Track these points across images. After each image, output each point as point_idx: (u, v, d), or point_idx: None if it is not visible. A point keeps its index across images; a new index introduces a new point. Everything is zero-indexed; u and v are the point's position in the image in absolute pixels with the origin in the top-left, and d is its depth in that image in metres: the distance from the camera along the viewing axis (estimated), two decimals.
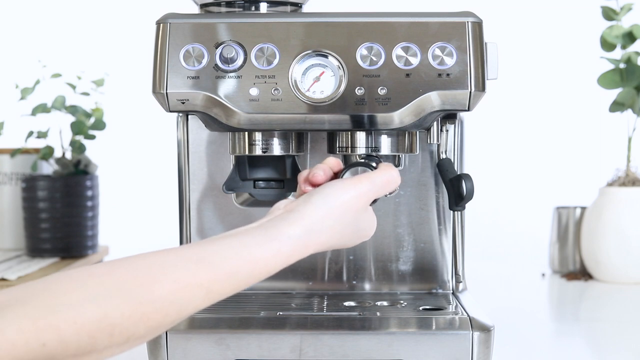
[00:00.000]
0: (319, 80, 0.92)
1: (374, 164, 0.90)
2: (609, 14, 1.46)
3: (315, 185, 0.86)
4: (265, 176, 1.03)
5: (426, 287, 1.09)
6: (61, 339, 0.63)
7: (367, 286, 1.09)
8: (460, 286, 1.06)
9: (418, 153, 1.04)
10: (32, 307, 0.63)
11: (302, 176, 0.88)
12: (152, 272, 0.69)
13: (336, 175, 0.89)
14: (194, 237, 1.08)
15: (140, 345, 0.71)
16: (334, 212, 0.80)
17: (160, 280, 0.69)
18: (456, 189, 0.99)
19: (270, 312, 0.95)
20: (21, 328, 0.61)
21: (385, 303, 1.01)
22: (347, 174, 0.88)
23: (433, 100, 0.92)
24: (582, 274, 1.52)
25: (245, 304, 0.99)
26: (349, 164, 0.90)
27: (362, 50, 0.92)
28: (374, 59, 0.92)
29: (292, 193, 1.05)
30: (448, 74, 0.92)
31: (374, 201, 0.87)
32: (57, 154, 1.53)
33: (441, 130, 1.00)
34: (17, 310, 0.62)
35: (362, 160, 0.91)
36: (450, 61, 0.92)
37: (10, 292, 0.64)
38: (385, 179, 0.85)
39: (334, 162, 0.90)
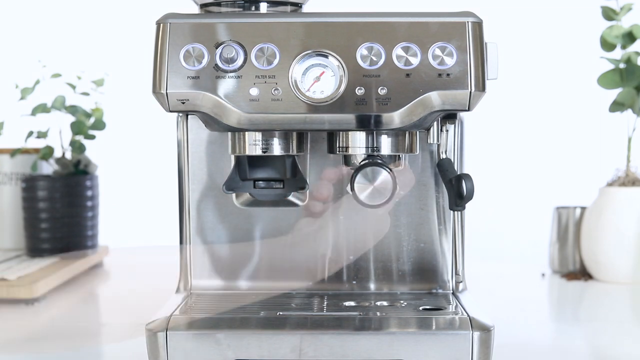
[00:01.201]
0: (319, 80, 0.92)
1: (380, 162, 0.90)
2: (609, 14, 1.46)
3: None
4: (265, 176, 1.03)
5: (426, 287, 1.08)
6: None
7: (367, 286, 1.09)
8: (460, 286, 1.06)
9: (418, 153, 1.04)
10: None
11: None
12: None
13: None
14: (194, 237, 1.08)
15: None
16: None
17: None
18: (456, 189, 0.99)
19: (270, 312, 0.95)
20: None
21: (385, 303, 1.01)
22: (358, 176, 0.88)
23: (433, 100, 0.92)
24: (582, 274, 1.52)
25: (245, 304, 0.98)
26: (358, 166, 0.90)
27: (362, 50, 0.92)
28: (374, 59, 0.92)
29: (293, 193, 1.05)
30: (448, 74, 0.92)
31: (387, 200, 0.87)
32: (57, 154, 1.53)
33: (441, 130, 1.00)
34: None
35: (371, 161, 0.91)
36: (450, 61, 0.92)
37: None
38: None
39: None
